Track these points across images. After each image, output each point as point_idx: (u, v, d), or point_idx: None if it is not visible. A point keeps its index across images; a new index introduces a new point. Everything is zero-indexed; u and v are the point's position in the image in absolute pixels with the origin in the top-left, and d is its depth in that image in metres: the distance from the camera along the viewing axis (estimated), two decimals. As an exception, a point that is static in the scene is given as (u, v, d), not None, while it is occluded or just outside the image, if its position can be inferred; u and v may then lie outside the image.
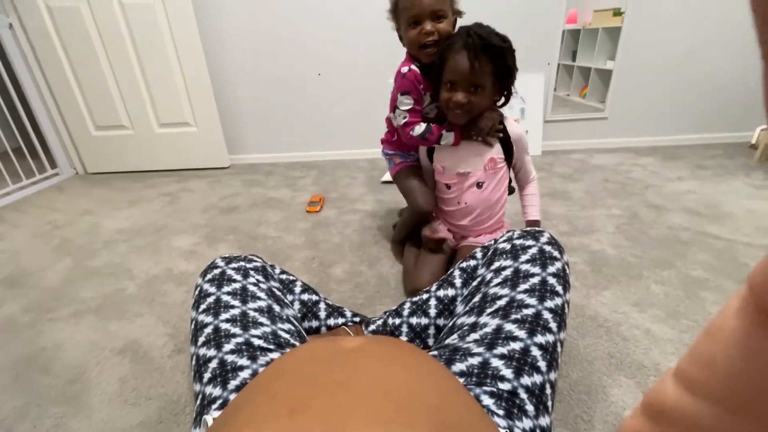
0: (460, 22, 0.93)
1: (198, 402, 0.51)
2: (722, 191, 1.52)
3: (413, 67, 0.94)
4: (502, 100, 0.93)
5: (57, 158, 2.06)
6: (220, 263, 0.70)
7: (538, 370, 0.49)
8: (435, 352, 0.56)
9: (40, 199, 1.80)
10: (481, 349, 0.51)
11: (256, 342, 0.55)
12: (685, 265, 1.05)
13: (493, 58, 0.81)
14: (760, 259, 0.19)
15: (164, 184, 1.91)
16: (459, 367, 0.50)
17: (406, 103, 0.96)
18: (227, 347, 0.54)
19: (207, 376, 0.52)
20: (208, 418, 0.45)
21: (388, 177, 1.85)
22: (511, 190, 1.04)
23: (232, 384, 0.50)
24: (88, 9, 1.76)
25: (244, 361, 0.52)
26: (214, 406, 0.48)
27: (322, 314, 0.78)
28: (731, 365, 0.20)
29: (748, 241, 1.15)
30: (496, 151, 0.94)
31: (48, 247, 1.33)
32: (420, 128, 0.97)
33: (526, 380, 0.47)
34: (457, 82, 0.84)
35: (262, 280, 0.68)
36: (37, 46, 1.84)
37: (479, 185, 0.96)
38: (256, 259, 0.72)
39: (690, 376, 0.22)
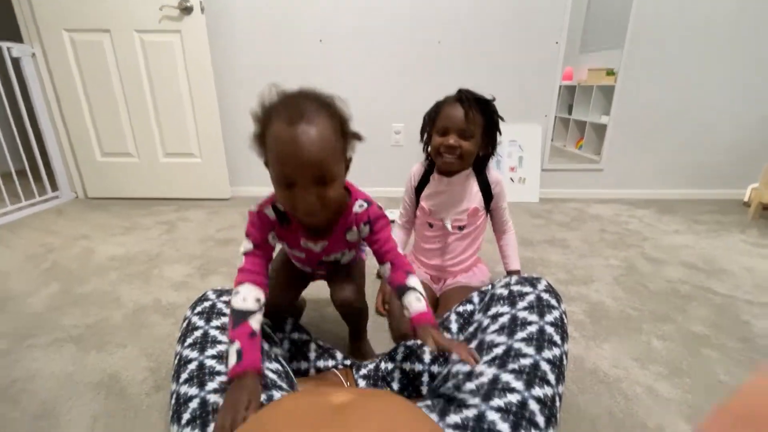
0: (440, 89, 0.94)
1: (173, 446, 0.48)
2: (718, 246, 1.52)
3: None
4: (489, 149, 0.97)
5: (59, 181, 2.07)
6: (212, 296, 0.68)
7: (536, 426, 0.46)
8: (428, 402, 0.54)
9: (38, 221, 1.79)
10: (476, 401, 0.48)
11: (241, 382, 0.52)
12: (686, 321, 1.03)
13: (483, 112, 0.89)
14: (709, 412, 0.18)
15: (163, 213, 1.91)
16: (453, 419, 0.47)
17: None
18: (210, 386, 0.51)
19: (186, 417, 0.49)
20: None
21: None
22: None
23: (212, 427, 0.47)
24: (110, 44, 1.85)
25: (226, 403, 0.49)
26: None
27: (312, 355, 0.75)
28: None
29: (748, 298, 1.14)
30: (478, 201, 1.00)
31: (38, 271, 1.31)
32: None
33: (524, 438, 0.45)
34: (450, 128, 0.90)
35: (253, 315, 0.66)
36: (56, 74, 1.91)
37: (460, 228, 1.01)
38: (248, 293, 0.70)
39: None
